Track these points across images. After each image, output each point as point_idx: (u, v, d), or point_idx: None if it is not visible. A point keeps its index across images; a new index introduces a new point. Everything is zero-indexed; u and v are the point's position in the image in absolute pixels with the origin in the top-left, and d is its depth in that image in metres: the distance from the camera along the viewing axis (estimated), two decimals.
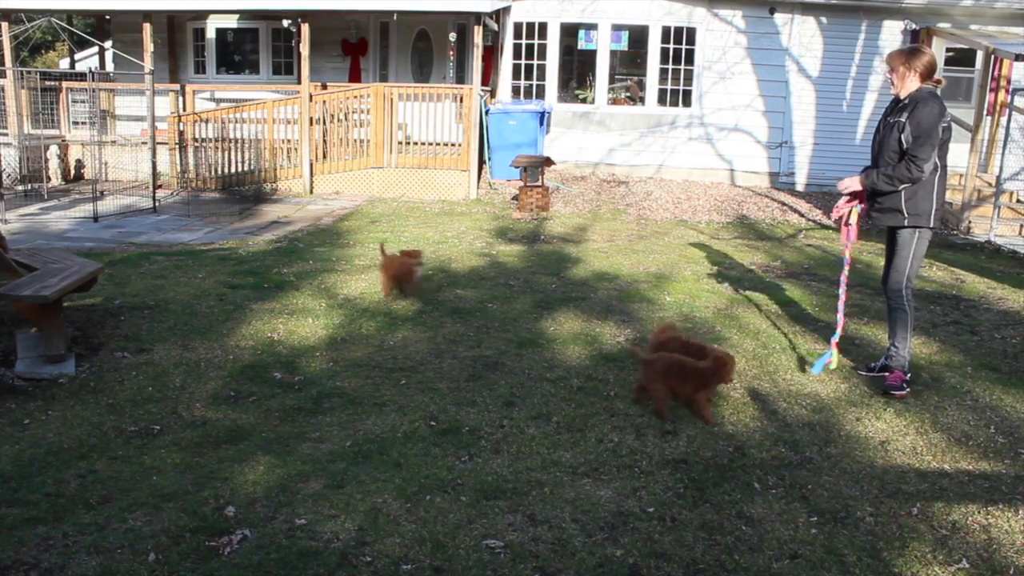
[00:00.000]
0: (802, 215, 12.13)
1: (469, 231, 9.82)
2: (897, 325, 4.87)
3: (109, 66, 16.11)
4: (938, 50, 13.36)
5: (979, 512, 3.52)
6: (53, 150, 13.28)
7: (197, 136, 12.89)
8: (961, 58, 13.88)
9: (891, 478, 3.82)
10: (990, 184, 11.44)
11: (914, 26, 13.45)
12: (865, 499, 3.61)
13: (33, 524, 3.30)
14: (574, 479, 3.73)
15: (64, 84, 13.86)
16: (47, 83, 13.80)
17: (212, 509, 3.40)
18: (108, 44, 16.02)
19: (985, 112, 11.39)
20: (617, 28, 14.10)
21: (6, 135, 12.80)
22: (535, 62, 14.21)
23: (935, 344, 5.77)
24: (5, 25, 12.72)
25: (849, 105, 13.91)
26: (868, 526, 3.40)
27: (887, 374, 4.88)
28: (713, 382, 4.37)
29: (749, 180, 14.19)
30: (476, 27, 12.01)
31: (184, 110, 13.32)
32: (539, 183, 11.44)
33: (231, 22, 15.28)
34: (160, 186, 11.98)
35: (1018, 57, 10.60)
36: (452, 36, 13.14)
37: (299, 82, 12.89)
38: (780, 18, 13.76)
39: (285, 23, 13.89)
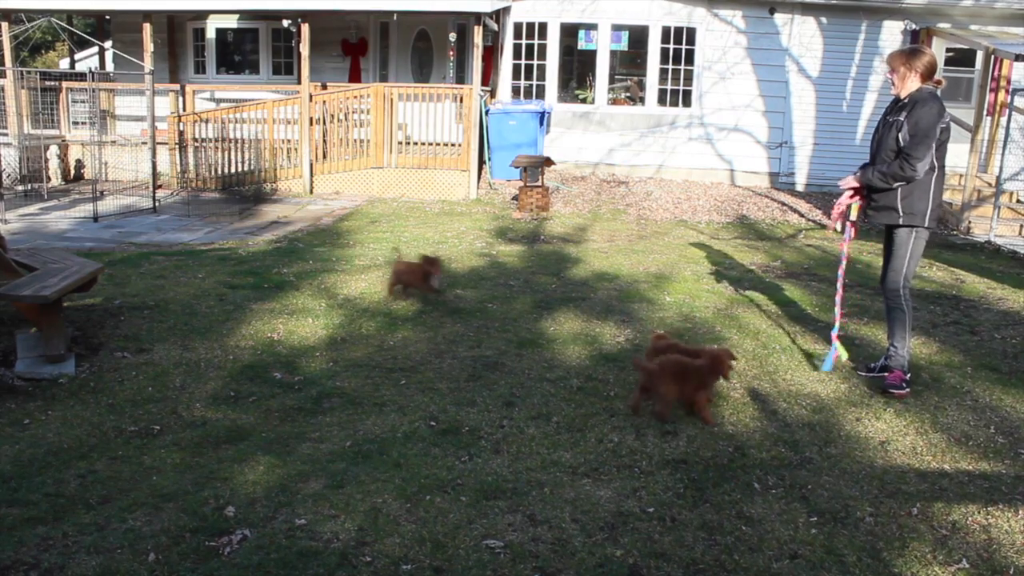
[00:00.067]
0: (802, 215, 12.13)
1: (469, 231, 9.82)
2: (896, 325, 4.88)
3: (109, 66, 16.11)
4: (938, 50, 13.37)
5: (979, 512, 3.52)
6: (53, 150, 13.28)
7: (197, 136, 12.89)
8: (961, 58, 13.88)
9: (891, 478, 3.82)
10: (990, 184, 11.44)
11: (914, 26, 13.46)
12: (865, 499, 3.61)
13: (33, 524, 3.30)
14: (574, 479, 3.73)
15: (64, 84, 13.86)
16: (47, 83, 13.80)
17: (212, 509, 3.40)
18: (108, 44, 16.02)
19: (985, 112, 11.39)
20: (617, 28, 14.10)
21: (6, 135, 12.80)
22: (535, 62, 14.21)
23: (935, 344, 5.77)
24: (5, 25, 12.72)
25: (849, 105, 13.91)
26: (868, 526, 3.40)
27: (887, 374, 4.89)
28: (711, 379, 4.37)
29: (749, 180, 14.20)
30: (476, 27, 12.01)
31: (184, 110, 13.32)
32: (539, 183, 11.44)
33: (231, 22, 15.28)
34: (160, 186, 11.98)
35: (1018, 57, 10.61)
36: (452, 36, 13.14)
37: (299, 82, 12.89)
38: (780, 18, 13.76)
39: (285, 23, 13.90)
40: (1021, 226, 10.89)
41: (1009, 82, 12.47)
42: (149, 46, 12.50)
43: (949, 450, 4.13)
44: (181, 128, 12.84)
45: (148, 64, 12.21)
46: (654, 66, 14.05)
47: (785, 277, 7.75)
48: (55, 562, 3.02)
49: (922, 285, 7.56)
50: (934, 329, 6.12)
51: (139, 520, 3.32)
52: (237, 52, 15.71)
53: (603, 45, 14.13)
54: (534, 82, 14.28)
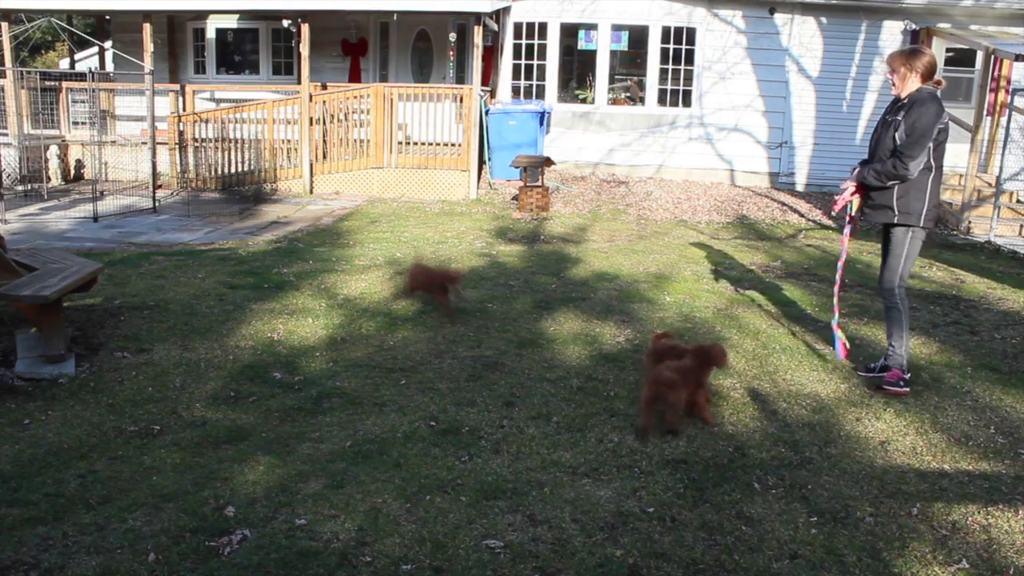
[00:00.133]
0: (802, 215, 12.13)
1: (469, 231, 9.82)
2: (892, 324, 4.90)
3: (109, 66, 16.11)
4: (938, 50, 13.37)
5: (979, 512, 3.52)
6: (53, 150, 13.28)
7: (197, 136, 12.89)
8: (961, 58, 13.88)
9: (891, 478, 3.82)
10: (990, 184, 11.43)
11: (914, 26, 13.46)
12: (865, 499, 3.61)
13: (33, 524, 3.30)
14: (574, 479, 3.73)
15: (64, 84, 13.86)
16: (47, 83, 13.79)
17: (212, 509, 3.40)
18: (108, 44, 16.02)
19: (985, 112, 11.39)
20: (617, 28, 14.10)
21: (6, 135, 12.80)
22: (535, 62, 14.21)
23: (935, 344, 5.77)
24: (5, 25, 12.72)
25: (849, 105, 13.91)
26: (868, 526, 3.40)
27: (885, 374, 4.90)
28: (706, 373, 4.39)
29: (749, 180, 14.20)
30: (476, 27, 12.01)
31: (184, 110, 13.32)
32: (539, 183, 11.44)
33: (231, 22, 15.28)
34: (160, 186, 11.98)
35: (1018, 57, 10.61)
36: (452, 36, 13.14)
37: (299, 82, 12.88)
38: (780, 18, 13.76)
39: (285, 23, 13.89)
40: (1021, 226, 10.89)
41: (1009, 82, 12.47)
42: (149, 46, 12.50)
43: (949, 450, 4.13)
44: (181, 128, 12.84)
45: (148, 64, 12.21)
46: (654, 66, 14.05)
47: (785, 277, 7.75)
48: (55, 562, 3.02)
49: (922, 285, 7.56)
50: (934, 329, 6.12)
51: (139, 520, 3.32)
52: (237, 52, 15.71)
53: (603, 45, 14.13)
54: (534, 82, 14.28)
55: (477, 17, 11.99)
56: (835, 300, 5.39)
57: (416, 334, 5.78)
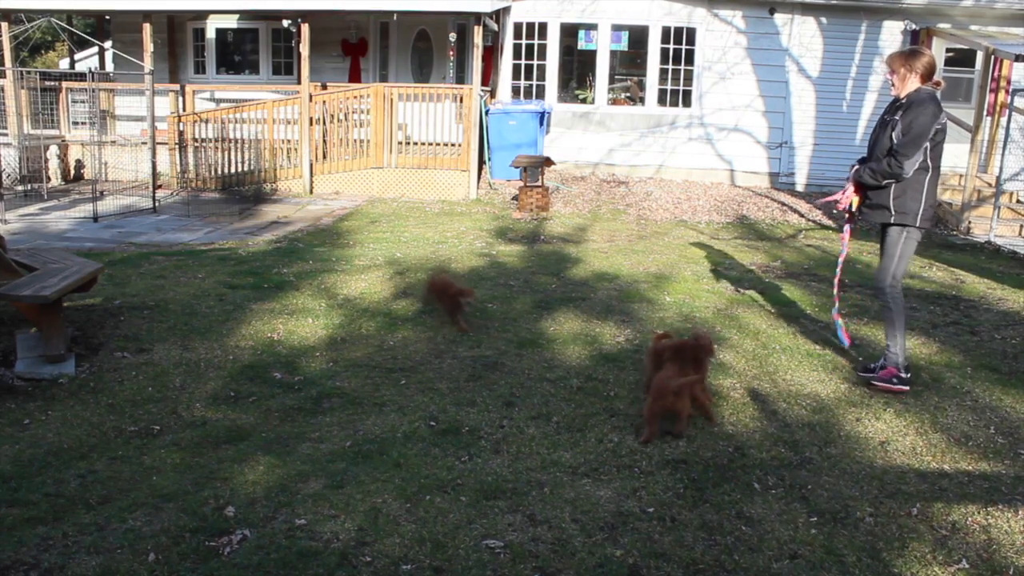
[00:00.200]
0: (802, 215, 12.13)
1: (469, 231, 9.82)
2: (887, 324, 4.93)
3: (109, 66, 16.11)
4: (938, 50, 13.37)
5: (979, 512, 3.52)
6: (53, 150, 13.28)
7: (197, 136, 12.89)
8: (961, 58, 13.88)
9: (891, 478, 3.82)
10: (990, 184, 11.44)
11: (914, 26, 13.46)
12: (865, 499, 3.61)
13: (33, 524, 3.30)
14: (574, 479, 3.73)
15: (64, 84, 13.86)
16: (47, 83, 13.79)
17: (212, 509, 3.40)
18: (108, 44, 16.02)
19: (985, 112, 11.39)
20: (617, 28, 14.10)
21: (6, 135, 12.80)
22: (535, 62, 14.21)
23: (935, 344, 5.77)
24: (5, 25, 12.72)
25: (849, 105, 13.91)
26: (868, 526, 3.40)
27: (879, 371, 4.92)
28: (705, 367, 4.43)
29: (749, 180, 14.20)
30: (476, 27, 12.01)
31: (184, 110, 13.32)
32: (539, 183, 11.44)
33: (231, 22, 15.28)
34: (160, 186, 11.98)
35: (1018, 58, 10.60)
36: (452, 36, 13.14)
37: (299, 82, 12.88)
38: (780, 18, 13.76)
39: (285, 23, 13.89)
40: (1021, 226, 10.89)
41: (1009, 82, 12.47)
42: (149, 46, 12.50)
43: (949, 450, 4.13)
44: (181, 128, 12.83)
45: (148, 64, 12.21)
46: (654, 66, 14.05)
47: (785, 277, 7.75)
48: (55, 562, 3.02)
49: (922, 285, 7.56)
50: (934, 329, 6.12)
51: (139, 520, 3.32)
52: (237, 52, 15.71)
53: (603, 45, 14.13)
54: (534, 82, 14.28)
55: (477, 17, 11.99)
56: (835, 290, 5.44)
57: (416, 334, 5.78)
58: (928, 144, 4.61)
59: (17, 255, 6.02)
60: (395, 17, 13.55)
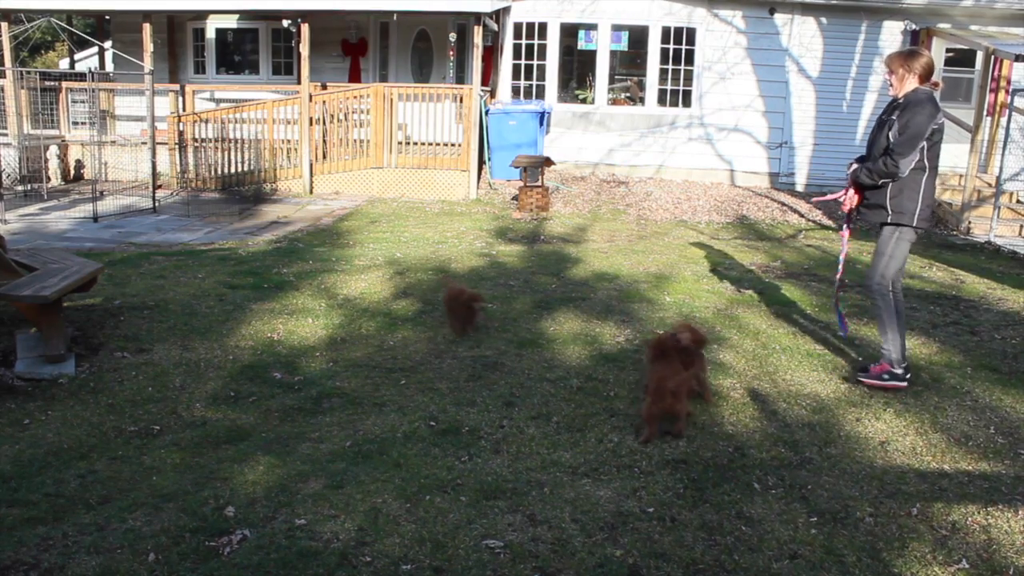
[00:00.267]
0: (802, 215, 12.13)
1: (469, 231, 9.82)
2: (878, 322, 4.94)
3: (109, 66, 16.11)
4: (938, 50, 13.37)
5: (979, 512, 3.52)
6: (53, 150, 13.28)
7: (197, 136, 12.89)
8: (961, 58, 13.88)
9: (891, 478, 3.82)
10: (990, 184, 11.43)
11: (914, 26, 13.46)
12: (865, 499, 3.61)
13: (33, 524, 3.30)
14: (574, 479, 3.73)
15: (64, 84, 13.86)
16: (47, 83, 13.79)
17: (212, 509, 3.40)
18: (108, 44, 16.02)
19: (985, 113, 11.39)
20: (617, 28, 14.10)
21: (6, 135, 12.80)
22: (535, 62, 14.21)
23: (935, 344, 5.77)
24: (5, 25, 12.72)
25: (849, 105, 13.91)
26: (868, 526, 3.40)
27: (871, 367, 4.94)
28: (702, 361, 4.47)
29: (749, 180, 14.20)
30: (476, 27, 12.01)
31: (184, 110, 13.32)
32: (539, 183, 11.44)
33: (231, 22, 15.28)
34: (160, 186, 11.98)
35: (1018, 58, 10.60)
36: (452, 36, 13.14)
37: (299, 82, 12.89)
38: (780, 18, 13.76)
39: (285, 23, 13.88)
40: (1021, 226, 10.89)
41: (1009, 82, 12.47)
42: (149, 46, 12.50)
43: (949, 450, 4.13)
44: (181, 128, 12.83)
45: (148, 64, 12.21)
46: (654, 66, 14.05)
47: (785, 277, 7.75)
48: (55, 562, 3.02)
49: (922, 285, 7.56)
50: (934, 329, 6.12)
51: (139, 520, 3.32)
52: (237, 52, 15.71)
53: (603, 45, 14.13)
54: (534, 82, 14.28)
55: (477, 17, 11.99)
56: (836, 281, 5.45)
57: (416, 334, 5.78)
58: (925, 144, 4.62)
59: (17, 255, 6.03)
60: (395, 17, 13.56)
